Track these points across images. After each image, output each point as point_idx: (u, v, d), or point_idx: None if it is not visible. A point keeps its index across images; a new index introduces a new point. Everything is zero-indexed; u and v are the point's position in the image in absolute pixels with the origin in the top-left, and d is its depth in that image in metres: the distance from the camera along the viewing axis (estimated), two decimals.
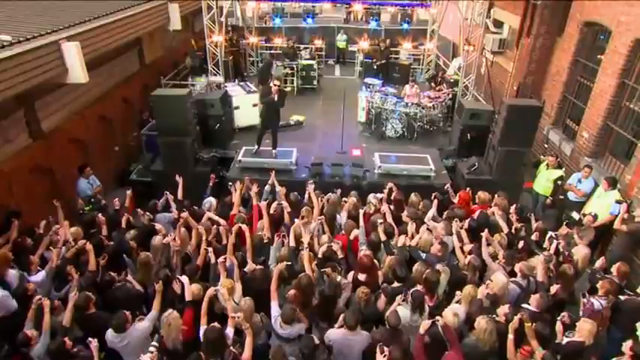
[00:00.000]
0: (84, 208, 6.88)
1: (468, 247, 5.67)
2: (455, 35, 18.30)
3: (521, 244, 5.72)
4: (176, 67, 13.27)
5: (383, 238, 5.64)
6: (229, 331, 4.29)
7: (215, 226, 5.90)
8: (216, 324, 4.18)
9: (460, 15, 11.42)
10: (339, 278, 4.96)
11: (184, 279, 4.66)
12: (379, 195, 6.86)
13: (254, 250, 5.47)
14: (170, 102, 8.30)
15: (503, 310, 4.44)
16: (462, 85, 11.19)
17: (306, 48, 15.48)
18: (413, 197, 6.82)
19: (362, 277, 5.13)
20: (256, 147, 9.16)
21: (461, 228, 5.95)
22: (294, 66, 13.88)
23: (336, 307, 4.51)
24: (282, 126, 11.48)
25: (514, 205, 6.53)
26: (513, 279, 5.14)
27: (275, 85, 8.40)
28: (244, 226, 5.58)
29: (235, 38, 14.18)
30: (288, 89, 14.29)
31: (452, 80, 12.21)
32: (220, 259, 4.94)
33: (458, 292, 4.87)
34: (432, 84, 13.58)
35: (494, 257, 5.56)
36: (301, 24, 17.61)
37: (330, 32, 17.66)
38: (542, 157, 8.31)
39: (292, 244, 5.46)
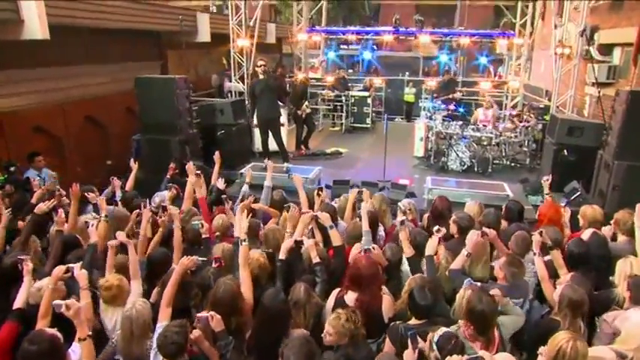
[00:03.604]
0: None
1: (564, 277, 3.28)
2: (548, 83, 16.26)
3: None
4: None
5: (408, 252, 3.44)
6: (75, 348, 2.52)
7: (137, 211, 4.31)
8: (47, 330, 2.49)
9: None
10: (300, 290, 2.86)
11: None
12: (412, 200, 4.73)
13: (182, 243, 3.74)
14: (156, 88, 7.11)
15: None
16: (556, 103, 8.88)
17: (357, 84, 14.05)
18: (471, 205, 4.54)
19: (350, 297, 2.94)
20: (266, 160, 7.56)
21: (550, 247, 3.57)
22: (343, 98, 12.36)
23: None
24: (315, 154, 9.98)
25: None
26: None
27: (258, 65, 7.18)
28: (174, 209, 4.00)
29: (274, 69, 13.33)
30: (337, 128, 12.85)
31: (542, 106, 9.96)
32: (113, 242, 3.44)
33: (542, 349, 2.51)
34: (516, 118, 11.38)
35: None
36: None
37: (397, 85, 16.32)
38: None
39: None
